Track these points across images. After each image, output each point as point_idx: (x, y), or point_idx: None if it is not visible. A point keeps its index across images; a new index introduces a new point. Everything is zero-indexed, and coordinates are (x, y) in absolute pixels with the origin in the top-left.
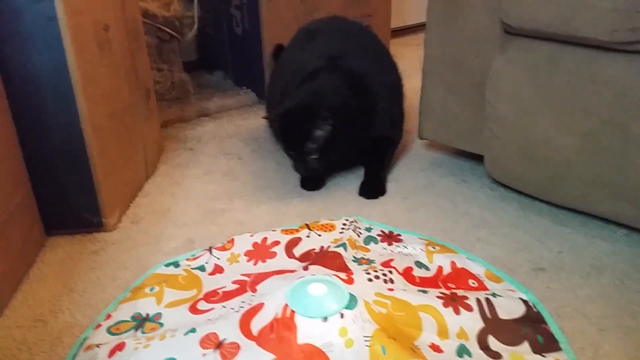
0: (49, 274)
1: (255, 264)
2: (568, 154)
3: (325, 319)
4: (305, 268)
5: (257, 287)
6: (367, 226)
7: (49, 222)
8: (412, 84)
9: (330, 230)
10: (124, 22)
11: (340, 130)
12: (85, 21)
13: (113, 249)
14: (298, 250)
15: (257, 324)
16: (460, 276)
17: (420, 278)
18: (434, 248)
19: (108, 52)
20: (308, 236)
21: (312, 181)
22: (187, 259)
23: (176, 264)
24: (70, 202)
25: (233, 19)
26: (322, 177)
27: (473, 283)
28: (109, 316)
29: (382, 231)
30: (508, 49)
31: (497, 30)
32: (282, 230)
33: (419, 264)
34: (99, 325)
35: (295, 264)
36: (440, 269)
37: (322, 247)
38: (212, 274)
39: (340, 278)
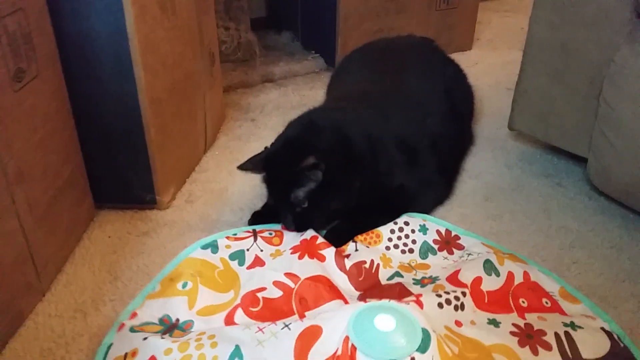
0: (95, 256)
1: (300, 257)
2: None
3: None
4: (361, 299)
5: (307, 314)
6: (421, 223)
7: (99, 196)
8: (496, 57)
9: (376, 243)
10: None
11: (334, 176)
12: None
13: (164, 232)
14: (349, 261)
15: (316, 356)
16: (533, 291)
17: (489, 295)
18: (504, 254)
19: (172, 14)
20: (356, 250)
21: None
22: (227, 238)
23: (214, 247)
24: (122, 178)
25: None
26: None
27: (547, 303)
28: (134, 314)
29: (438, 232)
30: (639, 39)
31: (625, 15)
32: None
33: (489, 267)
34: (122, 326)
35: (344, 280)
36: (511, 275)
37: (372, 260)
38: (251, 267)
39: (407, 302)
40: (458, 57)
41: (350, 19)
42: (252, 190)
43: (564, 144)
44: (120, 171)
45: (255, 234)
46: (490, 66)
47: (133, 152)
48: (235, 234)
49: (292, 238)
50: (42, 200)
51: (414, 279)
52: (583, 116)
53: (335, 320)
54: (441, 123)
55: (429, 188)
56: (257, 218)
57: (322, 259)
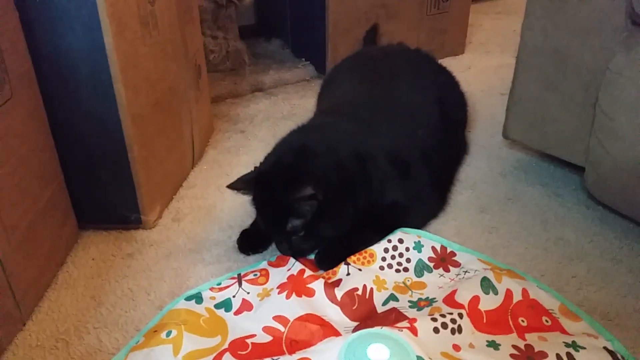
0: (79, 280)
1: (288, 297)
2: None
3: None
4: (355, 330)
5: (298, 353)
6: (416, 240)
7: (83, 216)
8: (489, 60)
9: (369, 263)
10: None
11: (331, 204)
12: None
13: (150, 253)
14: (339, 291)
15: None
16: (532, 309)
17: (488, 314)
18: (501, 270)
19: (154, 29)
20: (348, 274)
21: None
22: (211, 289)
23: (199, 298)
24: (106, 198)
25: None
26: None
27: (547, 321)
28: None
29: (433, 249)
30: (635, 46)
31: (620, 21)
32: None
33: (486, 285)
34: None
35: (337, 312)
36: (509, 293)
37: (364, 285)
38: (238, 312)
39: (401, 328)
40: (450, 62)
41: (340, 25)
42: (242, 207)
43: (560, 153)
44: (103, 191)
45: (239, 278)
46: (483, 71)
47: (116, 171)
48: (219, 284)
49: (278, 275)
50: (21, 225)
51: (409, 301)
52: (579, 124)
53: (327, 352)
54: (434, 133)
55: (423, 202)
56: (247, 236)
57: (310, 293)
